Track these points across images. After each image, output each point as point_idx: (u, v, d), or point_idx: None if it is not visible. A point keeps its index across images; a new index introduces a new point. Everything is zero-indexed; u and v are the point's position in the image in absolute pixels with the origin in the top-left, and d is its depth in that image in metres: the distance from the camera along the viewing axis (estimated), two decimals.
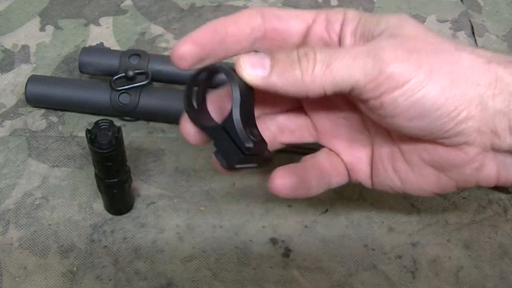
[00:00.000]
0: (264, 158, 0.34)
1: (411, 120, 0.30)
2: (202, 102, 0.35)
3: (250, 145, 0.31)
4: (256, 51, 0.32)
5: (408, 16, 0.32)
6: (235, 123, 0.31)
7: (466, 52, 0.31)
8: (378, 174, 0.36)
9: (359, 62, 0.29)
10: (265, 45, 0.34)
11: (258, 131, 0.33)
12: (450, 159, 0.32)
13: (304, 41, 0.34)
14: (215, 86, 0.36)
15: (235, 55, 0.33)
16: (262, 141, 0.33)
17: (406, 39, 0.30)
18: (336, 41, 0.33)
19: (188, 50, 0.31)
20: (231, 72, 0.31)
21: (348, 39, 0.32)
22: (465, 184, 0.34)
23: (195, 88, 0.34)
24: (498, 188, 0.49)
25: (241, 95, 0.31)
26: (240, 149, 0.31)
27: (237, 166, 0.32)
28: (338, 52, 0.29)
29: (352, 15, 0.33)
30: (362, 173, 0.38)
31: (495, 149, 0.32)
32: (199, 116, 0.34)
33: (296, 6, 0.66)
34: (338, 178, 0.39)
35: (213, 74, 0.34)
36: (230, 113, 0.31)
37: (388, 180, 0.36)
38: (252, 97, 0.33)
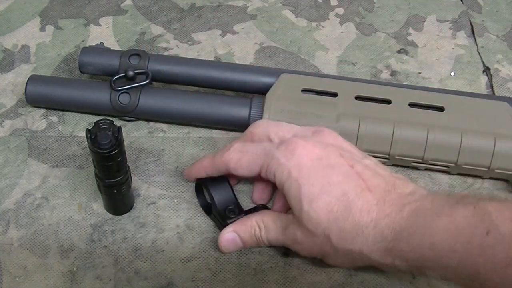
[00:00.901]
0: None
1: None
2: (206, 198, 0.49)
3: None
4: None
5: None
6: (217, 215, 0.47)
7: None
8: None
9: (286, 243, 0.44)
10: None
11: (238, 205, 0.47)
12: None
13: (259, 180, 0.47)
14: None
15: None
16: (240, 212, 0.46)
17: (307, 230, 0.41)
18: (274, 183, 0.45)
19: (190, 178, 0.49)
20: (209, 183, 0.47)
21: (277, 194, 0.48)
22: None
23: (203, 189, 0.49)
24: None
25: (216, 197, 0.46)
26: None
27: None
28: (273, 230, 0.44)
29: (278, 181, 0.43)
30: None
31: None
32: (206, 207, 0.49)
33: (296, 5, 0.66)
34: None
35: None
36: (214, 208, 0.47)
37: None
38: (230, 190, 0.47)
